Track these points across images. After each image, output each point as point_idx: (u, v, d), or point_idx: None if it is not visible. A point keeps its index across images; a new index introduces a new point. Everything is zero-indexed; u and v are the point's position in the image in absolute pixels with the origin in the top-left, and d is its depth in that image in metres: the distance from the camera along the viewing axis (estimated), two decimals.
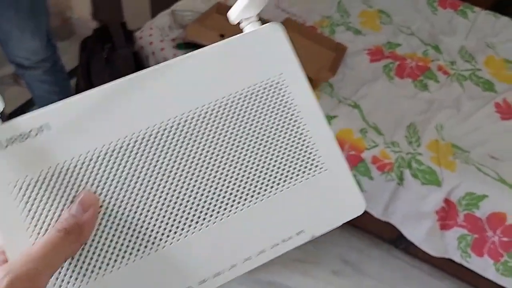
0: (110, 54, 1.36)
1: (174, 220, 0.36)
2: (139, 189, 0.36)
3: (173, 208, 0.37)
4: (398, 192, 1.24)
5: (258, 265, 0.38)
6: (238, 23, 0.40)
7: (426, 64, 1.45)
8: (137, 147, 0.36)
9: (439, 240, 1.26)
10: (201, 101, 0.37)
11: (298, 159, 0.39)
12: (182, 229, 0.37)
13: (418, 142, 1.25)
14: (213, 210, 0.37)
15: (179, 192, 0.37)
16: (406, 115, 1.31)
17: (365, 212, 1.31)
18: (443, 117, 1.32)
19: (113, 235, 0.35)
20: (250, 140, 0.38)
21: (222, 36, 1.35)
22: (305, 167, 0.39)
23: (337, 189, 0.40)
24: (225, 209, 0.37)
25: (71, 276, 0.35)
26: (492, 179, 1.19)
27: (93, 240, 0.35)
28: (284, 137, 0.39)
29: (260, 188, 0.38)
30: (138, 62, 1.41)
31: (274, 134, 0.39)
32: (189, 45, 1.40)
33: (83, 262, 0.35)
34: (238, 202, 0.37)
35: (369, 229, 1.42)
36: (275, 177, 0.39)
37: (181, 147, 0.37)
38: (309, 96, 0.40)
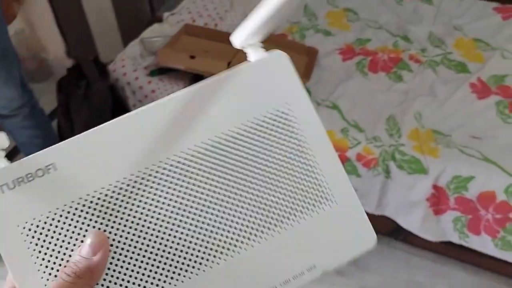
0: (87, 91, 1.38)
1: (184, 258, 0.36)
2: (148, 227, 0.35)
3: (182, 246, 0.36)
4: (387, 185, 1.25)
5: None
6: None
7: (397, 56, 1.47)
8: (146, 184, 0.36)
9: (435, 225, 1.27)
10: (206, 135, 0.37)
11: (306, 192, 0.38)
12: (193, 267, 0.36)
13: (399, 133, 1.26)
14: (221, 249, 0.36)
15: (188, 230, 0.36)
16: (384, 108, 1.32)
17: None
18: (420, 105, 1.33)
19: (125, 275, 0.35)
20: (258, 174, 0.37)
21: (193, 58, 1.36)
22: (314, 200, 0.38)
23: (347, 222, 0.38)
24: (235, 246, 0.36)
25: None
26: (477, 159, 1.21)
27: (104, 280, 0.35)
28: (292, 170, 0.38)
29: (268, 224, 0.37)
30: (115, 95, 1.42)
31: (282, 167, 0.38)
32: (162, 71, 1.42)
33: None
34: (248, 238, 0.37)
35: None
36: (283, 212, 0.37)
37: (188, 182, 0.36)
38: (317, 126, 0.39)
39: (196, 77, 1.41)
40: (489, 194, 1.19)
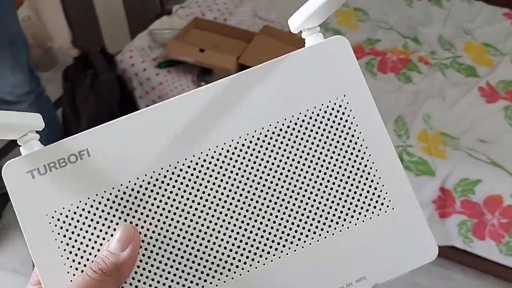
0: (93, 80, 1.36)
1: (220, 260, 0.33)
2: (185, 224, 0.33)
3: (219, 247, 0.33)
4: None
5: None
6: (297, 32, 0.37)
7: (407, 57, 1.46)
8: (184, 177, 0.33)
9: (440, 229, 1.26)
10: (254, 126, 0.34)
11: (361, 195, 0.34)
12: (229, 270, 0.33)
13: (407, 134, 1.26)
14: (263, 251, 0.33)
15: (227, 229, 0.33)
16: (393, 109, 1.32)
17: None
18: (429, 107, 1.33)
19: (155, 275, 0.32)
20: (310, 172, 0.34)
21: (202, 51, 1.35)
22: (369, 205, 0.34)
23: (406, 231, 0.35)
24: (276, 249, 0.33)
25: None
26: (484, 163, 1.20)
27: (133, 278, 0.32)
28: (347, 170, 0.34)
29: (318, 226, 0.34)
30: (122, 85, 1.41)
31: (336, 165, 0.34)
32: (170, 63, 1.41)
33: None
34: (292, 242, 0.33)
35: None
36: (335, 215, 0.34)
37: (230, 177, 0.33)
38: (377, 123, 0.35)
39: (204, 71, 1.40)
40: (496, 198, 1.19)
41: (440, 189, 1.21)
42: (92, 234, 0.32)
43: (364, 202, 0.34)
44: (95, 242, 0.32)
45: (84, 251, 0.32)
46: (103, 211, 0.32)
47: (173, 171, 0.33)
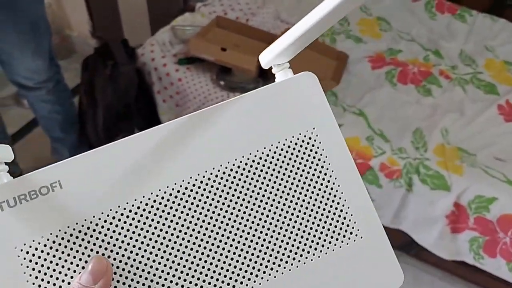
0: (113, 71, 1.36)
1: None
2: (156, 255, 0.33)
3: (192, 277, 0.33)
4: (407, 198, 1.24)
5: None
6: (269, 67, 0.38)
7: (428, 70, 1.46)
8: (157, 208, 0.33)
9: (450, 243, 1.26)
10: (225, 158, 0.34)
11: (331, 225, 0.35)
12: None
13: (425, 147, 1.25)
14: (237, 280, 0.34)
15: (199, 260, 0.33)
16: (411, 120, 1.31)
17: None
18: (448, 121, 1.32)
19: None
20: (278, 201, 0.35)
21: (224, 50, 1.35)
22: (339, 234, 0.35)
23: (372, 259, 0.36)
24: (242, 282, 0.34)
25: None
26: (500, 181, 1.20)
27: None
28: (317, 200, 0.35)
29: (288, 257, 0.34)
30: (141, 78, 1.41)
31: (305, 196, 0.35)
32: (190, 60, 1.41)
33: None
34: (263, 272, 0.34)
35: None
36: (305, 245, 0.35)
37: (202, 209, 0.34)
38: (345, 155, 0.36)
39: (223, 70, 1.40)
40: (510, 217, 1.18)
41: (454, 204, 1.21)
42: (63, 266, 0.31)
43: (333, 232, 0.35)
44: (66, 275, 0.31)
45: (54, 284, 0.31)
46: (74, 243, 0.32)
47: (140, 205, 0.33)
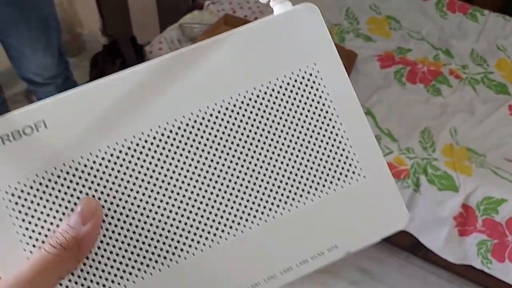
0: (121, 68, 1.36)
1: (189, 232, 0.32)
2: (150, 196, 0.31)
3: (187, 219, 0.32)
4: (415, 199, 1.22)
5: (282, 284, 0.34)
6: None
7: (438, 69, 1.44)
8: (149, 149, 0.31)
9: (458, 247, 1.24)
10: (219, 96, 0.32)
11: (333, 164, 0.33)
12: (198, 242, 0.32)
13: (433, 147, 1.24)
14: (234, 222, 0.32)
15: (195, 200, 0.32)
16: (419, 120, 1.30)
17: None
18: (457, 121, 1.31)
19: (119, 250, 0.31)
20: (277, 141, 0.33)
21: None
22: (341, 174, 0.34)
23: (377, 199, 0.34)
24: (247, 220, 0.32)
25: None
26: (510, 183, 1.18)
27: (96, 254, 0.30)
28: (317, 139, 0.33)
29: (287, 197, 0.33)
30: None
31: (305, 135, 0.33)
32: None
33: (80, 278, 0.30)
34: (262, 213, 0.33)
35: (386, 237, 1.40)
36: (305, 185, 0.33)
37: (197, 149, 0.32)
38: (349, 92, 0.34)
39: None
40: None
41: (462, 205, 1.19)
42: (51, 209, 0.30)
43: (335, 171, 0.34)
44: (54, 217, 0.30)
45: (42, 227, 0.30)
46: (61, 185, 0.30)
47: (130, 146, 0.31)
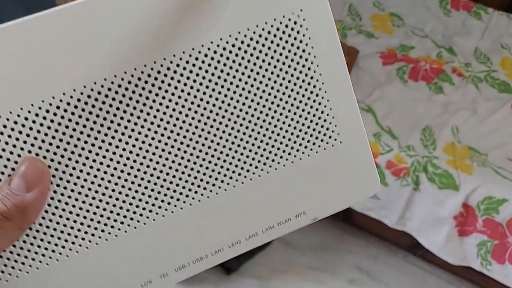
0: None
1: (149, 196, 0.29)
2: (103, 155, 0.27)
3: (145, 181, 0.29)
4: (414, 197, 1.20)
5: (247, 250, 0.33)
6: None
7: (440, 67, 1.42)
8: (113, 98, 0.27)
9: (457, 248, 1.22)
10: (191, 43, 0.27)
11: (309, 127, 0.31)
12: (158, 206, 0.29)
13: (434, 145, 1.22)
14: (196, 185, 0.30)
15: (153, 161, 0.28)
16: (421, 118, 1.28)
17: (380, 220, 1.26)
18: (459, 119, 1.29)
19: (67, 220, 0.28)
20: (248, 98, 0.29)
21: None
22: (316, 138, 0.31)
23: (350, 166, 0.33)
24: (211, 184, 0.30)
25: (5, 266, 0.27)
26: (511, 182, 1.16)
27: (40, 224, 0.27)
28: (295, 99, 0.30)
29: (255, 160, 0.30)
30: None
31: (282, 93, 0.30)
32: None
33: (23, 249, 0.27)
34: (229, 177, 0.30)
35: (385, 236, 1.38)
36: (277, 148, 0.31)
37: (161, 103, 0.27)
38: (336, 47, 0.30)
39: None
40: None
41: (462, 205, 1.17)
42: None
43: (311, 135, 0.31)
44: None
45: None
46: (1, 133, 0.25)
47: (98, 91, 0.26)
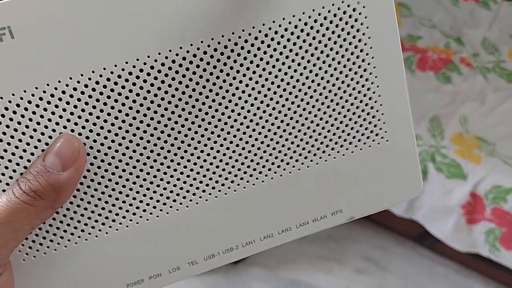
0: None
1: (184, 182, 0.28)
2: (141, 137, 0.27)
3: (184, 167, 0.28)
4: (422, 187, 1.21)
5: (278, 245, 0.32)
6: None
7: (448, 57, 1.42)
8: (155, 73, 0.26)
9: (466, 235, 1.22)
10: (240, 25, 0.26)
11: (356, 122, 0.30)
12: (194, 194, 0.29)
13: (442, 135, 1.22)
14: (235, 176, 0.29)
15: (196, 148, 0.28)
16: (429, 108, 1.28)
17: (388, 209, 1.27)
18: (467, 109, 1.29)
19: (99, 200, 0.28)
20: (303, 90, 0.28)
21: None
22: (362, 134, 0.30)
23: (393, 166, 0.32)
24: (250, 175, 0.29)
25: (33, 241, 0.27)
26: None
27: (71, 203, 0.27)
28: (345, 91, 0.29)
29: (299, 155, 0.30)
30: None
31: (333, 85, 0.28)
32: None
33: (52, 226, 0.27)
34: (269, 170, 0.29)
35: (392, 226, 1.39)
36: (321, 143, 0.30)
37: (205, 85, 0.26)
38: (394, 41, 0.29)
39: None
40: None
41: (470, 194, 1.17)
42: (20, 140, 0.25)
43: (357, 131, 0.30)
44: (25, 150, 0.25)
45: (7, 167, 0.25)
46: (26, 109, 0.24)
47: (116, 74, 0.25)
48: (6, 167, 0.25)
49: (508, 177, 1.15)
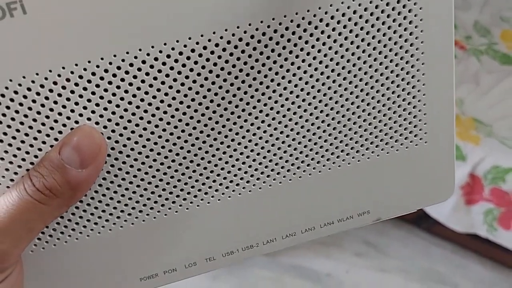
0: None
1: (218, 175, 0.27)
2: (163, 127, 0.25)
3: (219, 159, 0.27)
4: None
5: (298, 243, 0.31)
6: None
7: None
8: (161, 64, 0.24)
9: (464, 216, 1.24)
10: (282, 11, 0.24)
11: (395, 122, 0.28)
12: (216, 190, 0.27)
13: None
14: (261, 172, 0.28)
15: (224, 143, 0.26)
16: None
17: None
18: (463, 92, 1.30)
19: (115, 191, 0.26)
20: (342, 85, 0.26)
21: None
22: (401, 135, 0.29)
23: (428, 169, 0.30)
24: (278, 172, 0.28)
25: (43, 233, 0.26)
26: None
27: (81, 202, 0.26)
28: (388, 88, 0.27)
29: (333, 153, 0.28)
30: None
31: (376, 81, 0.27)
32: None
33: (63, 218, 0.26)
34: (298, 168, 0.28)
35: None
36: (356, 143, 0.28)
37: (237, 76, 0.24)
38: (448, 35, 0.28)
39: None
40: None
41: (469, 175, 1.19)
42: (31, 127, 0.23)
43: (396, 131, 0.29)
44: (36, 138, 0.23)
45: (15, 155, 0.23)
46: (38, 93, 0.22)
47: (158, 51, 0.23)
48: (27, 152, 0.23)
49: (506, 157, 1.17)
